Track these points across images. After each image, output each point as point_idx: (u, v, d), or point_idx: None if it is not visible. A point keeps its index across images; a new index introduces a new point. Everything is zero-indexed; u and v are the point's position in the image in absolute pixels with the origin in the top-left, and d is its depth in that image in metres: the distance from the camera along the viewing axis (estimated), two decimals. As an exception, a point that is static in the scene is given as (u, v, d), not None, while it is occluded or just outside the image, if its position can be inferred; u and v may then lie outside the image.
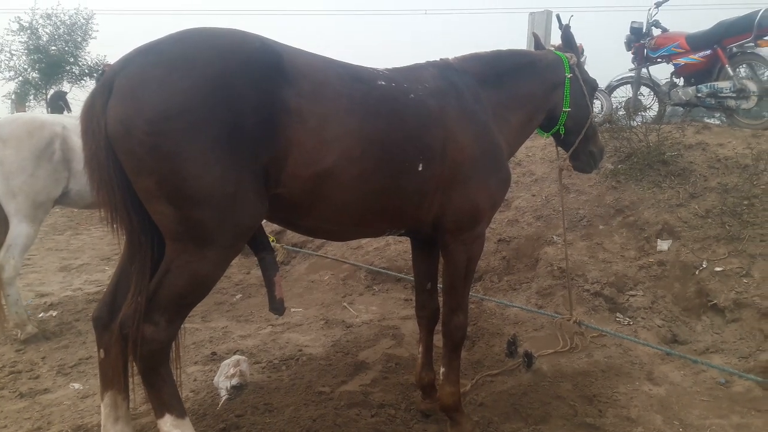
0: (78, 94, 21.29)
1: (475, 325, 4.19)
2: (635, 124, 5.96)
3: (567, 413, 3.07)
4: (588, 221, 5.05)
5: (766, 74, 6.09)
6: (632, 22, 7.06)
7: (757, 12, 5.65)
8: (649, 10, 6.96)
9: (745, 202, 4.46)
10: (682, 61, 6.42)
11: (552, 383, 3.37)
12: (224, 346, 4.12)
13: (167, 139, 1.94)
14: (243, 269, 6.54)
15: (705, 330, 3.89)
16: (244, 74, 2.05)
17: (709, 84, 6.14)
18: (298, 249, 6.55)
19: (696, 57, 6.25)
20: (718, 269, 4.10)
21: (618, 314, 4.16)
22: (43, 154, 4.25)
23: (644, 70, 7.04)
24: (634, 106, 7.14)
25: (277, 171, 2.13)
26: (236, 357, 3.58)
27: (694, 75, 6.38)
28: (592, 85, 3.42)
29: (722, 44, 6.00)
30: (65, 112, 16.43)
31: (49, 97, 20.26)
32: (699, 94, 6.26)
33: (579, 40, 3.52)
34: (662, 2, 6.83)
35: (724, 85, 5.96)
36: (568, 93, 3.24)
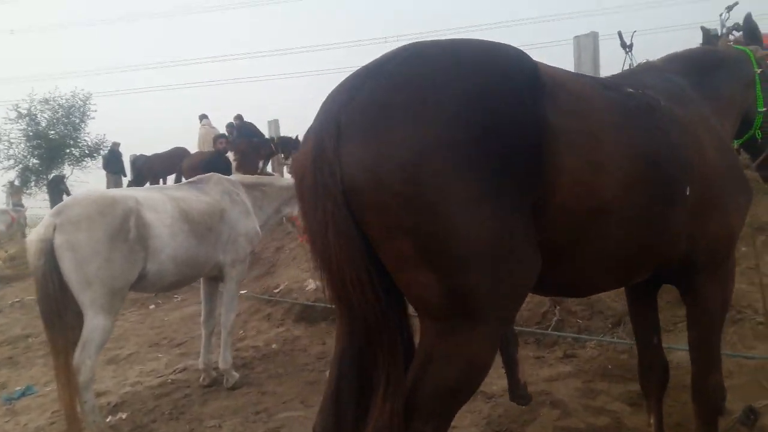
0: (80, 176, 21.07)
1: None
2: None
3: None
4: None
5: None
6: (702, 27, 6.72)
7: None
8: (721, 14, 6.65)
9: None
10: None
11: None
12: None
13: (428, 186, 1.47)
14: (316, 339, 5.94)
15: None
16: (508, 91, 1.60)
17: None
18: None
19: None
20: None
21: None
22: (118, 235, 3.72)
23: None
24: None
25: (542, 212, 1.64)
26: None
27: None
28: None
29: None
30: (64, 196, 16.06)
31: (48, 182, 19.97)
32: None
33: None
34: (732, 6, 6.53)
35: None
36: (759, 91, 2.82)
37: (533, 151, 1.57)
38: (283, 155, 13.59)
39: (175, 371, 5.43)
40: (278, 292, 7.55)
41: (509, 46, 1.77)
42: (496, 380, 4.00)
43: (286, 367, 5.23)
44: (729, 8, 6.54)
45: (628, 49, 7.15)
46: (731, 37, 6.50)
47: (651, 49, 7.39)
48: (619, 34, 7.13)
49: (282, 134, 14.41)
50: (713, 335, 2.35)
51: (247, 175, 5.72)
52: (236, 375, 4.84)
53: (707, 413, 2.38)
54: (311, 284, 7.27)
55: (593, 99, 1.86)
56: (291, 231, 5.82)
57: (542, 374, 4.03)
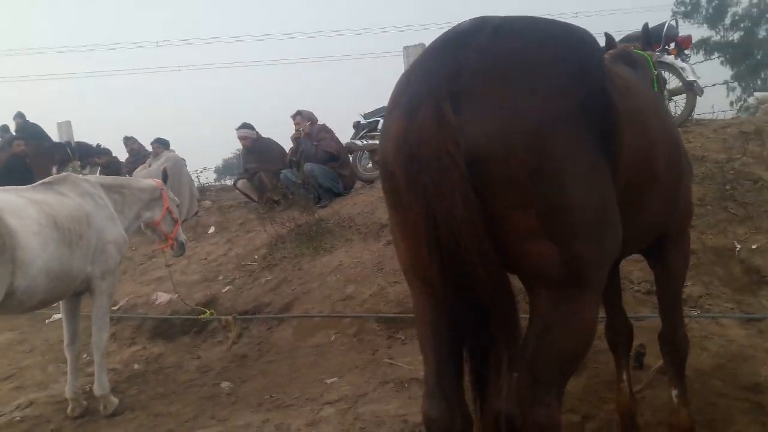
0: None
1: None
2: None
3: (743, 408, 3.04)
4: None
5: (671, 78, 7.02)
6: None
7: (664, 24, 6.57)
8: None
9: (727, 187, 5.03)
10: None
11: (699, 384, 3.32)
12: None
13: (553, 157, 1.50)
14: (184, 354, 5.41)
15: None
16: (596, 69, 1.67)
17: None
18: (251, 316, 5.65)
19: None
20: (753, 247, 4.53)
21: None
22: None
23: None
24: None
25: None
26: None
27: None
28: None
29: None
30: None
31: None
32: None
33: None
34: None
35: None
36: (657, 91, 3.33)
37: (614, 127, 1.65)
38: (79, 162, 12.09)
39: (19, 407, 4.51)
40: (118, 309, 6.70)
41: (578, 27, 1.83)
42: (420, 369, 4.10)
43: (166, 385, 4.69)
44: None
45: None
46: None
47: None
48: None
49: (77, 138, 12.82)
50: (679, 295, 2.72)
51: (105, 176, 5.02)
52: (115, 400, 4.21)
53: (678, 361, 2.73)
54: (162, 297, 6.61)
55: (629, 80, 2.06)
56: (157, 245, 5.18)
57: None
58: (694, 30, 29.91)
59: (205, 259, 7.22)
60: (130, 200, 4.60)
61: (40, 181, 4.25)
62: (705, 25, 32.32)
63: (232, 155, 30.53)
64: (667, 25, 6.58)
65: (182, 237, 5.14)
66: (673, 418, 2.74)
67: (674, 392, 2.73)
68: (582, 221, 1.56)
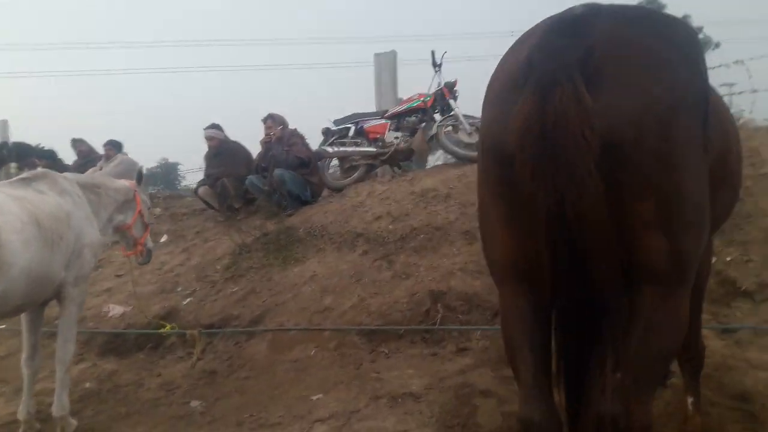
0: None
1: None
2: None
3: (735, 417, 3.06)
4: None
5: None
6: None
7: None
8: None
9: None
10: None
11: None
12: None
13: (677, 145, 1.47)
14: (141, 371, 5.01)
15: (744, 315, 4.29)
16: (704, 58, 1.71)
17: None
18: (219, 330, 5.32)
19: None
20: (728, 259, 4.60)
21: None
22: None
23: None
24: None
25: None
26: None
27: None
28: None
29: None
30: None
31: None
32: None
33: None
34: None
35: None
36: None
37: (708, 120, 1.60)
38: (16, 164, 11.32)
39: (-45, 434, 4.02)
40: (65, 323, 6.18)
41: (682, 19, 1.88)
42: (415, 380, 3.92)
43: (127, 405, 4.31)
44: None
45: (438, 68, 7.78)
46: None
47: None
48: (432, 53, 7.73)
49: (14, 139, 12.06)
50: (701, 303, 2.69)
51: (81, 174, 4.62)
52: (74, 422, 3.81)
53: (696, 370, 2.72)
54: (115, 309, 6.15)
55: None
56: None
57: (450, 368, 4.06)
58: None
59: (160, 269, 6.78)
60: (105, 201, 4.23)
61: (16, 177, 3.88)
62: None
63: (156, 164, 29.34)
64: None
65: (150, 243, 4.78)
66: (688, 426, 2.75)
67: (690, 400, 2.77)
68: (691, 214, 1.53)
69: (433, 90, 7.88)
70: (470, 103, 7.82)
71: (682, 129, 1.47)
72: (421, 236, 5.67)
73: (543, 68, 1.46)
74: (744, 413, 3.11)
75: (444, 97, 7.75)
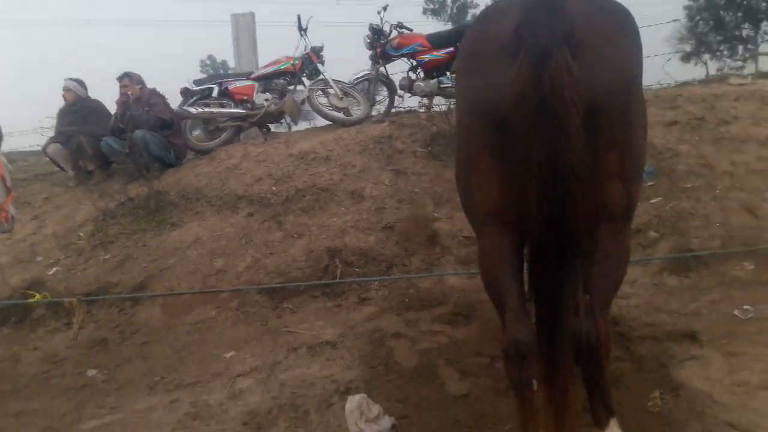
0: None
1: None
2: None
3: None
4: (448, 197, 5.67)
5: None
6: (371, 23, 7.96)
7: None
8: (379, 12, 8.00)
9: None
10: (426, 57, 7.66)
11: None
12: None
13: (634, 106, 1.90)
14: (21, 339, 4.60)
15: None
16: None
17: (450, 76, 7.56)
18: (97, 297, 5.00)
19: (440, 54, 7.58)
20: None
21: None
22: None
23: (381, 68, 8.05)
24: (372, 100, 8.10)
25: None
26: (358, 396, 2.87)
27: (437, 69, 7.72)
28: None
29: (464, 42, 7.49)
30: None
31: None
32: (442, 85, 7.62)
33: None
34: (386, 6, 7.99)
35: (467, 76, 7.47)
36: None
37: None
38: None
39: None
40: None
41: None
42: (327, 330, 4.11)
43: (11, 381, 3.99)
44: (384, 8, 7.96)
45: (304, 33, 7.81)
46: (397, 32, 7.95)
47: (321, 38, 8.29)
48: (298, 17, 7.73)
49: None
50: None
51: None
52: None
53: None
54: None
55: None
56: None
57: (357, 317, 4.31)
58: (441, 26, 34.66)
59: (10, 239, 6.10)
60: None
61: None
62: (449, 23, 37.85)
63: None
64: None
65: (13, 210, 4.34)
66: None
67: None
68: (639, 164, 1.96)
69: (300, 54, 7.90)
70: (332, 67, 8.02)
71: (635, 96, 1.88)
72: (308, 197, 5.78)
73: (535, 41, 1.73)
74: (615, 334, 3.73)
75: (312, 61, 7.82)
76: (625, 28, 1.92)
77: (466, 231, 5.18)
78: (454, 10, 41.50)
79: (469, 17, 37.90)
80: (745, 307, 3.91)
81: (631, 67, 1.86)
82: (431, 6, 41.48)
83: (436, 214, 5.41)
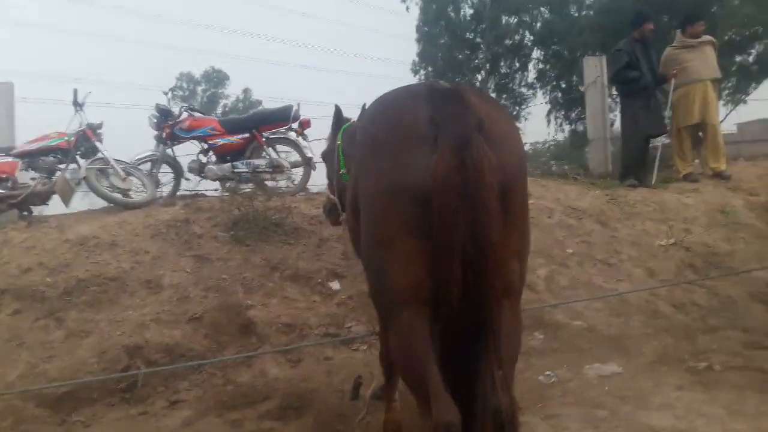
0: None
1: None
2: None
3: None
4: (260, 283, 5.44)
5: (293, 154, 7.93)
6: (158, 104, 7.59)
7: (291, 107, 7.53)
8: (166, 93, 7.71)
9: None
10: (219, 141, 7.50)
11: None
12: None
13: (525, 192, 2.23)
14: None
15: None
16: None
17: (245, 161, 7.49)
18: None
19: (234, 139, 7.49)
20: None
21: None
22: None
23: (168, 149, 7.66)
24: (156, 182, 7.63)
25: None
26: None
27: (230, 154, 7.58)
28: None
29: (259, 129, 7.53)
30: None
31: None
32: (235, 170, 7.50)
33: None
34: (172, 90, 7.77)
35: (260, 162, 7.47)
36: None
37: None
38: None
39: None
40: None
41: None
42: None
43: None
44: (171, 89, 7.73)
45: (79, 108, 7.17)
46: (188, 114, 7.70)
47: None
48: (75, 91, 7.09)
49: None
50: None
51: None
52: None
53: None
54: None
55: None
56: None
57: (170, 424, 3.80)
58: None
59: None
60: None
61: None
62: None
63: None
64: (294, 108, 7.62)
65: None
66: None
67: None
68: (528, 243, 2.21)
69: (73, 130, 7.17)
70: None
71: (525, 181, 2.15)
72: (93, 288, 5.06)
73: (454, 129, 1.88)
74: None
75: (88, 138, 7.15)
76: (513, 123, 2.26)
77: (284, 318, 5.02)
78: (204, 99, 43.12)
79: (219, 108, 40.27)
80: (547, 373, 4.39)
81: (524, 156, 2.16)
82: (180, 93, 41.33)
83: (248, 302, 5.14)
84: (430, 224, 1.86)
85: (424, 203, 1.86)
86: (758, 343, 4.86)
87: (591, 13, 29.00)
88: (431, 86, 2.07)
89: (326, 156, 4.23)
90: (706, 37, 8.28)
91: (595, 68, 9.90)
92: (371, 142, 2.11)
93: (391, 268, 1.99)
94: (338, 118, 4.12)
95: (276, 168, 7.53)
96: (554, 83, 32.03)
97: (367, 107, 3.01)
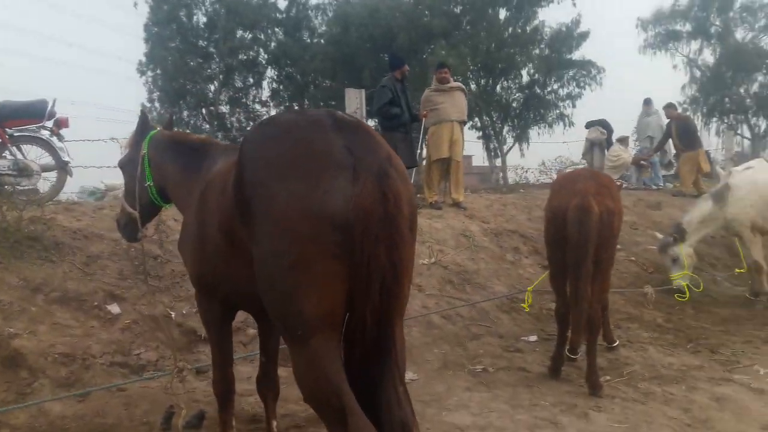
0: None
1: None
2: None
3: None
4: (21, 307, 4.57)
5: (44, 155, 6.70)
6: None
7: (46, 102, 6.39)
8: None
9: (137, 263, 5.50)
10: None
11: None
12: None
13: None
14: None
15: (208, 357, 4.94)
16: None
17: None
18: None
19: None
20: (184, 312, 5.17)
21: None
22: None
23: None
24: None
25: None
26: None
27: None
28: None
29: (3, 125, 6.26)
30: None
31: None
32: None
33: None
34: None
35: (4, 163, 6.26)
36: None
37: None
38: None
39: None
40: None
41: None
42: None
43: None
44: None
45: None
46: None
47: None
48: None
49: None
50: None
51: None
52: None
53: (275, 396, 3.38)
54: None
55: None
56: None
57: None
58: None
59: None
60: None
61: None
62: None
63: None
64: (51, 103, 6.55)
65: None
66: None
67: (274, 423, 3.29)
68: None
69: None
70: None
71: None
72: None
73: (370, 160, 1.99)
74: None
75: None
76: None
77: (59, 347, 4.33)
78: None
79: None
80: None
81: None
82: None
83: (11, 330, 4.30)
84: (349, 250, 1.94)
85: (343, 229, 1.93)
86: (513, 346, 5.82)
87: (322, 41, 30.60)
88: (334, 115, 2.15)
89: (125, 165, 3.83)
90: (456, 84, 9.59)
91: (355, 99, 10.60)
92: (275, 162, 2.05)
93: (306, 292, 1.98)
94: (144, 124, 3.79)
95: (22, 171, 6.41)
96: (287, 104, 32.56)
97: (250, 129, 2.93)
